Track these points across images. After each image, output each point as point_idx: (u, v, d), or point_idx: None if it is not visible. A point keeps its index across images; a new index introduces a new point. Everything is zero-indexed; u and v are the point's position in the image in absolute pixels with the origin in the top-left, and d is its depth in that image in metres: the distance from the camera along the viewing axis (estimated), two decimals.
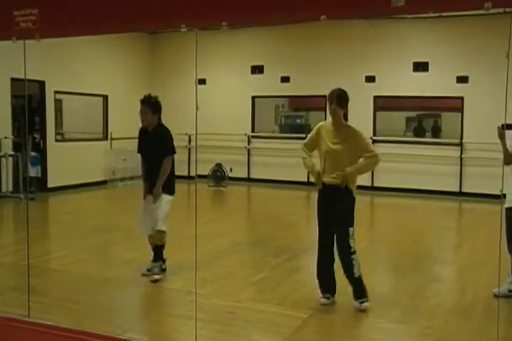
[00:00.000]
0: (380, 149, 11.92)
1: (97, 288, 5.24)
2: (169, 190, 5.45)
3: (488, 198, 10.53)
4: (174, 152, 5.47)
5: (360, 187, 12.79)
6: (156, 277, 5.34)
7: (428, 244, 7.69)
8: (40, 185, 10.99)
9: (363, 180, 11.96)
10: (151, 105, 5.44)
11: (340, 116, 4.78)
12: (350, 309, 4.63)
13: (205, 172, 12.75)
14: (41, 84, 10.94)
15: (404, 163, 11.80)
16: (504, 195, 4.84)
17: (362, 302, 4.60)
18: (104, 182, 12.16)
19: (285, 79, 12.68)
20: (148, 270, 5.50)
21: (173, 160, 5.47)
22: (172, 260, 5.67)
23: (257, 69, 13.00)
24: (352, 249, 4.58)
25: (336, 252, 4.71)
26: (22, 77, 10.28)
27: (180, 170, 13.22)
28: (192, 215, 9.42)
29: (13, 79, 9.83)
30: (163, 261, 5.55)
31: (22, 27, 3.63)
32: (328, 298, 4.74)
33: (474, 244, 7.42)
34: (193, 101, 13.28)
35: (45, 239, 7.57)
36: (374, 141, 12.03)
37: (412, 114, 14.51)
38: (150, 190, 5.45)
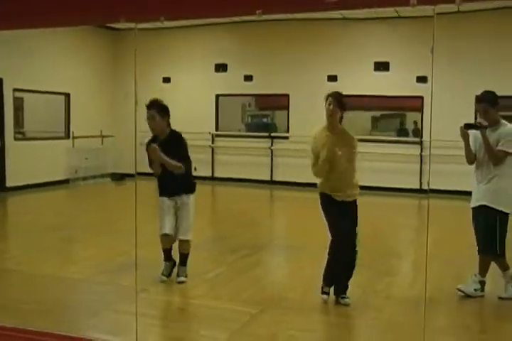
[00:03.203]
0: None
1: (50, 287, 5.20)
2: (193, 188, 5.41)
3: (446, 194, 10.75)
4: (185, 161, 5.19)
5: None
6: (183, 279, 5.19)
7: (386, 240, 7.81)
8: None
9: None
10: (158, 108, 5.26)
11: (337, 118, 4.71)
12: (300, 305, 4.69)
13: None
14: None
15: (368, 162, 11.94)
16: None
17: (344, 298, 4.66)
18: (66, 182, 12.02)
19: (248, 78, 12.71)
20: (168, 276, 5.31)
21: (190, 162, 5.32)
22: (127, 257, 5.64)
23: (221, 68, 13.00)
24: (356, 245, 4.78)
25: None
26: None
27: (145, 168, 13.31)
28: (153, 213, 9.44)
29: None
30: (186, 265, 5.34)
31: None
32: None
33: (430, 240, 7.56)
34: (160, 98, 13.42)
35: (1, 238, 7.46)
36: None
37: (377, 113, 14.75)
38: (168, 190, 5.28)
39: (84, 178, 12.07)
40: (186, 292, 5.02)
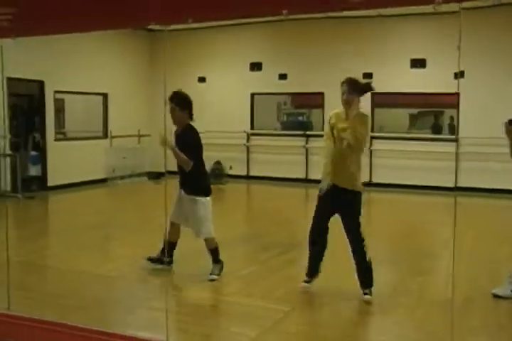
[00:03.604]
0: (377, 146, 12.07)
1: (87, 283, 5.34)
2: (201, 191, 5.32)
3: (482, 192, 10.57)
4: (193, 159, 5.18)
5: None
6: (214, 277, 5.27)
7: (420, 239, 7.74)
8: (40, 184, 11.14)
9: (363, 176, 12.04)
10: (177, 101, 5.28)
11: (351, 104, 4.69)
12: (332, 303, 4.71)
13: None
14: (40, 84, 11.07)
15: (403, 160, 11.85)
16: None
17: (365, 294, 4.71)
18: (104, 181, 12.29)
19: (283, 77, 12.74)
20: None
21: (203, 163, 5.36)
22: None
23: (256, 67, 13.07)
24: (362, 236, 4.75)
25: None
26: (19, 76, 10.46)
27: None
28: None
29: (10, 79, 9.93)
30: (220, 262, 5.41)
31: None
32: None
33: (467, 239, 7.46)
34: (195, 98, 13.55)
35: (42, 236, 7.70)
36: (372, 138, 12.09)
37: (414, 111, 14.58)
38: (182, 185, 5.38)
39: (122, 177, 12.31)
40: (219, 289, 5.09)
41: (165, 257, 5.50)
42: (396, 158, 11.91)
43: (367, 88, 4.81)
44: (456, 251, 6.84)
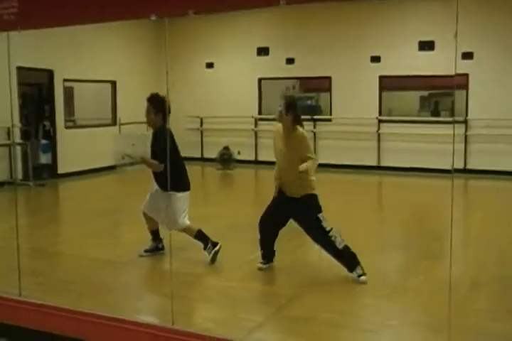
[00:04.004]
0: (385, 129, 12.04)
1: (97, 269, 5.43)
2: (177, 186, 5.37)
3: (491, 174, 10.52)
4: (164, 160, 5.08)
5: (366, 167, 12.83)
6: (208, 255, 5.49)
7: (427, 222, 7.75)
8: (50, 171, 11.25)
9: (370, 159, 12.03)
10: (154, 104, 5.39)
11: (287, 121, 4.95)
12: (338, 287, 4.76)
13: (213, 156, 12.91)
14: (50, 72, 11.13)
15: (410, 143, 11.81)
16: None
17: (359, 276, 4.82)
18: (113, 167, 12.38)
19: (290, 61, 12.70)
20: (148, 251, 5.72)
21: (178, 160, 5.44)
22: (173, 241, 5.80)
23: (263, 51, 13.03)
24: (327, 229, 4.88)
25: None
26: (29, 65, 10.52)
27: (193, 152, 13.59)
28: (198, 197, 9.64)
29: (20, 68, 9.99)
30: (208, 241, 5.51)
31: (4, 19, 3.76)
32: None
33: (475, 222, 7.47)
34: (203, 84, 13.64)
35: (52, 223, 7.82)
36: (380, 121, 12.06)
37: (425, 93, 14.44)
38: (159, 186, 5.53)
39: (131, 164, 12.37)
40: (226, 274, 5.16)
41: (158, 244, 5.75)
42: (404, 141, 11.86)
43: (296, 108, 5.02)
44: (464, 234, 6.90)
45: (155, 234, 5.78)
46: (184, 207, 5.46)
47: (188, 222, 5.51)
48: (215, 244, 5.50)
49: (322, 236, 4.90)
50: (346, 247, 4.89)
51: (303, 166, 4.79)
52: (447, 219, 7.88)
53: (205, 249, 5.49)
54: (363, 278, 4.82)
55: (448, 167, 11.13)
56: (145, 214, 5.74)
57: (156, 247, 5.77)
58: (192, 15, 3.03)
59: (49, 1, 3.62)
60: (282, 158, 5.03)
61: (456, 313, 3.62)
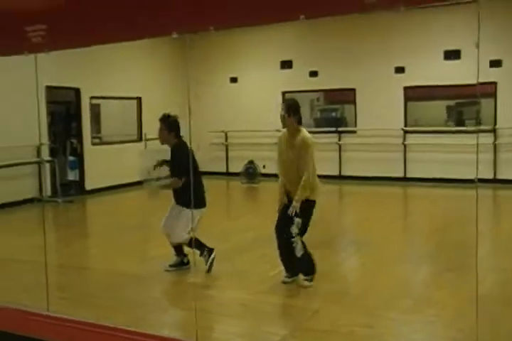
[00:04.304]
0: (411, 140, 11.94)
1: (122, 283, 5.48)
2: (188, 202, 5.33)
3: None
4: (181, 175, 5.40)
5: (392, 179, 12.67)
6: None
7: (454, 233, 7.63)
8: (78, 188, 11.44)
9: (395, 171, 11.93)
10: (167, 124, 5.62)
11: (291, 123, 5.06)
12: (361, 300, 4.73)
13: (238, 170, 12.97)
14: (77, 91, 11.36)
15: (437, 153, 11.68)
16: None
17: (306, 280, 5.08)
18: (139, 183, 12.48)
19: (313, 74, 12.73)
20: (173, 266, 5.78)
21: (199, 176, 5.58)
22: (195, 254, 5.84)
23: (286, 65, 13.10)
24: (292, 233, 5.03)
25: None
26: (57, 84, 10.78)
27: (218, 167, 13.66)
28: (223, 211, 9.69)
29: (49, 87, 10.25)
30: (204, 248, 5.65)
31: (33, 42, 3.87)
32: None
33: (503, 233, 7.35)
34: (227, 99, 13.75)
35: (80, 238, 7.92)
36: (405, 132, 11.98)
37: (452, 102, 14.29)
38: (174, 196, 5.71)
39: (158, 179, 12.49)
40: (250, 288, 5.15)
41: (182, 259, 5.81)
42: (430, 152, 11.74)
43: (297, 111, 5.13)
44: (491, 245, 6.76)
45: (178, 250, 5.82)
46: (188, 223, 5.44)
47: (184, 238, 5.58)
48: (210, 251, 5.61)
49: (286, 239, 5.05)
50: (306, 255, 5.04)
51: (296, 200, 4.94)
52: (474, 229, 7.78)
53: (200, 255, 5.59)
54: (307, 283, 5.05)
55: (478, 176, 11.05)
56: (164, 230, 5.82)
57: (181, 262, 5.81)
58: (213, 31, 3.07)
59: (75, 22, 3.72)
60: (289, 163, 5.06)
61: (484, 328, 3.55)
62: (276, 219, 5.28)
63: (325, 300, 4.73)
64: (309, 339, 4.06)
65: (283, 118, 5.05)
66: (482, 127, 11.84)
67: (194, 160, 5.56)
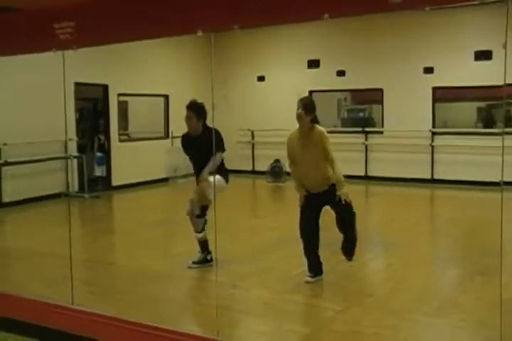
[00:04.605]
0: (439, 141, 11.78)
1: (146, 279, 5.52)
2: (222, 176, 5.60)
3: None
4: (224, 149, 5.60)
5: (419, 180, 12.52)
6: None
7: (483, 237, 7.51)
8: (105, 184, 11.56)
9: (423, 172, 11.78)
10: (195, 110, 5.60)
11: (306, 121, 5.10)
12: (385, 302, 4.68)
13: (264, 168, 12.96)
14: (105, 87, 11.47)
15: (465, 155, 11.50)
16: None
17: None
18: (165, 180, 12.60)
19: (341, 73, 12.63)
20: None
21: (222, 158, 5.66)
22: (222, 253, 5.85)
23: (313, 64, 13.02)
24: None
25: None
26: (86, 81, 10.91)
27: (244, 165, 13.69)
28: (248, 209, 9.68)
29: (77, 84, 10.37)
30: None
31: (61, 39, 3.93)
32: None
33: None
34: (254, 97, 13.76)
35: (105, 234, 8.00)
36: (434, 133, 11.83)
37: (482, 104, 14.06)
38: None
39: (183, 176, 12.56)
40: (273, 287, 5.13)
41: (206, 256, 5.82)
42: (459, 154, 11.57)
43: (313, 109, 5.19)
44: None
45: (204, 245, 5.83)
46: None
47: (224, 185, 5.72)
48: (207, 257, 5.75)
49: (351, 219, 5.30)
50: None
51: (343, 192, 5.05)
52: (504, 233, 7.63)
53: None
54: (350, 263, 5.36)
55: (508, 179, 10.84)
56: (189, 214, 5.79)
57: (205, 259, 5.82)
58: (237, 30, 3.08)
59: (102, 20, 3.77)
60: (307, 160, 5.10)
61: (509, 335, 3.48)
62: (301, 214, 5.28)
63: (349, 301, 4.69)
64: (332, 340, 4.03)
65: (299, 116, 5.08)
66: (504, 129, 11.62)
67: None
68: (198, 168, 5.72)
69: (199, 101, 5.73)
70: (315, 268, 5.25)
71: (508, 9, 2.63)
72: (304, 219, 5.25)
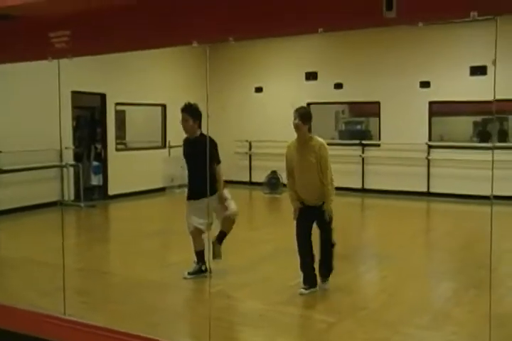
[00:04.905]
0: (434, 155, 11.83)
1: (140, 289, 5.51)
2: (215, 190, 5.60)
3: None
4: (219, 161, 5.68)
5: (415, 193, 12.48)
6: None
7: (478, 250, 7.52)
8: (101, 193, 11.55)
9: (419, 185, 11.81)
10: (191, 112, 5.68)
11: (304, 131, 5.16)
12: (378, 314, 4.68)
13: (261, 180, 12.96)
14: (102, 96, 11.51)
15: (461, 169, 11.54)
16: None
17: (324, 284, 5.33)
18: (162, 189, 12.60)
19: (338, 86, 12.69)
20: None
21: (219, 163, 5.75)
22: (218, 264, 5.85)
23: (311, 76, 13.09)
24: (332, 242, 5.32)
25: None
26: (83, 90, 10.93)
27: (241, 176, 13.69)
28: (245, 221, 9.68)
29: (74, 92, 10.41)
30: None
31: (56, 47, 3.96)
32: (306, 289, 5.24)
33: None
34: (252, 108, 13.81)
35: (101, 243, 8.00)
36: (430, 147, 11.88)
37: (478, 118, 14.14)
38: (194, 193, 5.69)
39: (180, 186, 12.56)
40: (268, 298, 5.13)
41: (201, 266, 5.80)
42: (455, 168, 11.60)
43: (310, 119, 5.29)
44: None
45: (200, 256, 5.82)
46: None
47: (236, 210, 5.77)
48: (201, 268, 5.77)
49: (329, 239, 5.27)
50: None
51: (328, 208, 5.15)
52: (498, 247, 7.65)
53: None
54: (327, 286, 5.29)
55: (502, 193, 10.88)
56: (194, 233, 5.75)
57: (200, 270, 5.81)
58: (232, 42, 3.11)
59: (97, 30, 3.80)
60: (306, 170, 5.14)
61: None
62: (296, 227, 5.31)
63: (342, 313, 4.69)
64: None
65: (297, 126, 5.14)
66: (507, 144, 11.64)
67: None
68: (192, 177, 5.78)
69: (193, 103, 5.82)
70: (310, 280, 5.25)
71: (496, 26, 2.67)
72: (300, 233, 5.28)
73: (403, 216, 10.12)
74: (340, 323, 4.48)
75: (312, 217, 5.26)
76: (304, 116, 5.17)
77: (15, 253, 6.98)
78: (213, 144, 5.59)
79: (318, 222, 5.27)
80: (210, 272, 5.59)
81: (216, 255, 5.71)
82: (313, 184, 5.15)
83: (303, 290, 5.20)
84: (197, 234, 5.74)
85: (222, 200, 5.63)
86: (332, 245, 5.32)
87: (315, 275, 5.29)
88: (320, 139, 5.22)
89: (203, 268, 5.80)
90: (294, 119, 5.16)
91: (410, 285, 5.68)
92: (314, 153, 5.11)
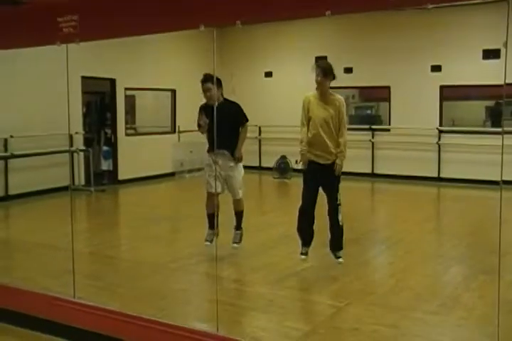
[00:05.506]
0: (446, 140, 11.73)
1: (149, 274, 5.55)
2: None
3: None
4: (248, 120, 6.09)
5: (425, 178, 12.46)
6: (236, 246, 5.96)
7: (489, 236, 7.49)
8: (111, 177, 11.59)
9: (429, 170, 11.74)
10: (212, 81, 5.79)
11: (327, 87, 5.30)
12: (386, 299, 4.68)
13: (271, 164, 12.95)
14: (112, 81, 11.49)
15: (473, 154, 11.45)
16: None
17: (338, 257, 5.40)
18: (172, 174, 12.63)
19: (348, 70, 12.58)
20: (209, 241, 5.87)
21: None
22: (227, 248, 5.87)
23: (321, 60, 12.95)
24: (338, 202, 5.33)
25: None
26: (93, 75, 10.92)
27: (251, 161, 13.68)
28: (254, 205, 9.69)
29: (85, 78, 10.40)
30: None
31: (65, 32, 3.93)
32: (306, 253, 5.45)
33: None
34: (262, 93, 13.75)
35: (110, 228, 8.05)
36: (441, 131, 11.78)
37: (490, 103, 13.95)
38: (217, 143, 5.77)
39: (190, 171, 12.59)
40: (276, 283, 5.14)
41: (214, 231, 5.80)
42: (466, 152, 11.51)
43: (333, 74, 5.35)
44: None
45: (210, 219, 5.90)
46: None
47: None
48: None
49: (336, 207, 5.29)
50: (342, 227, 5.34)
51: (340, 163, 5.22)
52: (508, 232, 7.60)
53: (237, 229, 5.98)
54: (340, 259, 5.36)
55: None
56: (209, 194, 5.97)
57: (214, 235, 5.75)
58: (239, 25, 3.07)
59: (105, 14, 3.77)
60: (323, 123, 5.17)
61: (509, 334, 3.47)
62: (303, 188, 5.42)
63: (350, 298, 4.69)
64: (332, 337, 4.03)
65: (320, 83, 5.18)
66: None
67: None
68: (220, 143, 5.81)
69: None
70: (306, 239, 5.42)
71: (508, 8, 2.61)
72: (306, 190, 5.38)
73: (413, 201, 10.09)
74: (349, 308, 4.49)
75: (321, 177, 5.28)
76: (325, 70, 5.18)
77: (26, 237, 7.05)
78: (239, 108, 6.04)
79: (325, 187, 5.30)
80: (217, 236, 5.54)
81: (235, 241, 5.92)
82: (330, 138, 5.17)
83: (303, 257, 5.37)
84: (210, 195, 5.92)
85: (239, 153, 5.93)
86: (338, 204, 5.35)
87: (312, 232, 5.43)
88: (339, 96, 5.28)
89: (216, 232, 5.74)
90: (317, 76, 5.15)
91: (419, 270, 5.68)
92: (335, 107, 5.17)
